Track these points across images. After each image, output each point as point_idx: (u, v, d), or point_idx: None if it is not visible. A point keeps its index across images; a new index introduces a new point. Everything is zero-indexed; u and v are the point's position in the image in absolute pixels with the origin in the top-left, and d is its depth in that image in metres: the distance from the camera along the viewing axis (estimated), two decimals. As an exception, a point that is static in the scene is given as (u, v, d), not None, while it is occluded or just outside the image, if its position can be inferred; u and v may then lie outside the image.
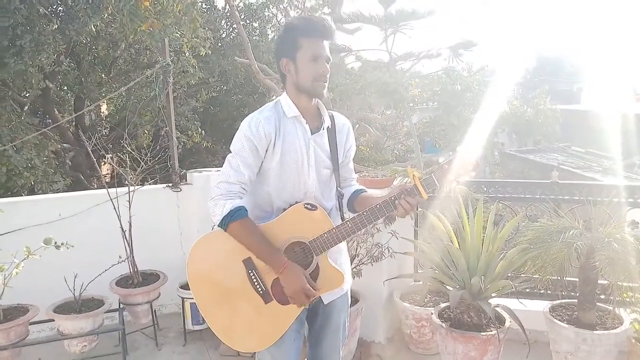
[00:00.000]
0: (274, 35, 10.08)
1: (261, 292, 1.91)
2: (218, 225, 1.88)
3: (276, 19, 10.90)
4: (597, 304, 2.94)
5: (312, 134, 1.98)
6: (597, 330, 2.78)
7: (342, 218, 2.06)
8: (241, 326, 1.95)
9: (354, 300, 3.34)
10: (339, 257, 2.09)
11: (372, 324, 3.59)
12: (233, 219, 1.85)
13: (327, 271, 1.95)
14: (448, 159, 1.95)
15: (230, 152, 1.94)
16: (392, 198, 1.91)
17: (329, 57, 1.94)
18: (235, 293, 1.93)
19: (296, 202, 1.95)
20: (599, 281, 2.91)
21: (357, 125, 8.88)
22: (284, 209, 1.96)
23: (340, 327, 2.18)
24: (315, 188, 2.00)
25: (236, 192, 1.89)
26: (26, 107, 7.91)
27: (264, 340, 1.95)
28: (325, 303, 2.07)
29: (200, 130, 9.39)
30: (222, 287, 1.95)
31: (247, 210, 1.89)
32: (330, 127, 2.05)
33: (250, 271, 1.91)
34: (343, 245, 2.14)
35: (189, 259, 1.96)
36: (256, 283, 1.91)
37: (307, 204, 1.94)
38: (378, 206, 1.91)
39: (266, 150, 1.92)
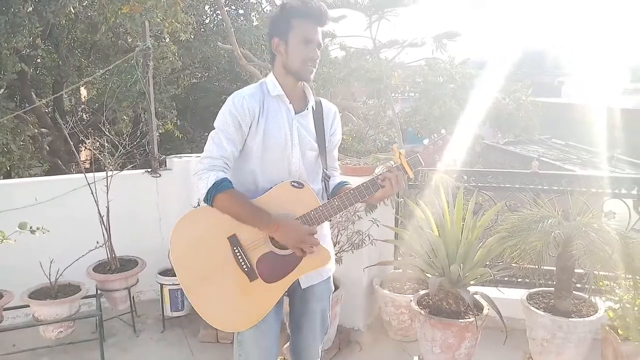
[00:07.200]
0: (259, 23, 9.95)
1: (246, 269, 1.89)
2: (204, 200, 1.85)
3: (261, 6, 10.76)
4: (574, 292, 2.98)
5: (295, 113, 1.98)
6: (572, 317, 2.82)
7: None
8: (225, 305, 1.92)
9: (334, 287, 3.34)
10: (323, 242, 2.06)
11: (351, 311, 3.60)
12: (219, 190, 1.82)
13: None
14: (433, 140, 1.98)
15: (214, 128, 1.93)
16: (379, 177, 1.93)
17: (321, 43, 1.94)
18: (220, 271, 1.91)
19: (282, 181, 1.95)
20: (575, 270, 2.94)
21: (341, 114, 8.82)
22: (269, 188, 1.94)
23: (318, 315, 2.14)
24: (299, 168, 2.00)
25: (220, 166, 1.87)
26: (1, 91, 7.73)
27: (247, 319, 1.92)
28: (302, 287, 2.05)
29: (175, 119, 9.21)
30: (206, 265, 1.92)
31: (231, 182, 1.86)
32: (315, 108, 2.05)
33: (235, 248, 1.89)
34: (327, 230, 2.15)
35: (172, 237, 1.93)
36: (241, 260, 1.89)
37: (294, 181, 1.94)
38: (365, 184, 1.93)
39: (249, 127, 1.91)
